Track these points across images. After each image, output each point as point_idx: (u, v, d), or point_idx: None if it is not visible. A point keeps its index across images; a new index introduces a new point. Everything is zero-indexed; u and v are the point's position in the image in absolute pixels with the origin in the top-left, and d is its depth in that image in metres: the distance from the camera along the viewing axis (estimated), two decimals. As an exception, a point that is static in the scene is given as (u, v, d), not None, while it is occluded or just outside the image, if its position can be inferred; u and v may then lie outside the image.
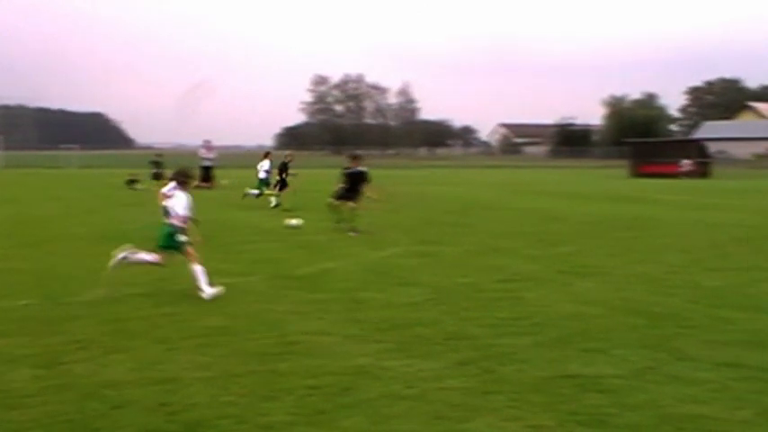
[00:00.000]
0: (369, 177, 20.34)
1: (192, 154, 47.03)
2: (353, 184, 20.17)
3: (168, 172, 43.64)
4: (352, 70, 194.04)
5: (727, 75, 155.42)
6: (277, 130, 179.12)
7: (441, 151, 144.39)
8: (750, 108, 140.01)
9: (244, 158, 66.68)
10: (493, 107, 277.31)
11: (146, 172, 44.82)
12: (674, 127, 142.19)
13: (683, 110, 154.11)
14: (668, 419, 6.33)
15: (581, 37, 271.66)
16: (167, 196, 12.10)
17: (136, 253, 11.54)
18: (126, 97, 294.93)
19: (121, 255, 11.47)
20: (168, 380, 7.31)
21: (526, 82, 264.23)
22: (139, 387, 7.09)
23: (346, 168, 20.57)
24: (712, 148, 75.18)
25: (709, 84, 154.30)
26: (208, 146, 41.14)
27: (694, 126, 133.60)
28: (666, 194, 37.72)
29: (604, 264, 14.76)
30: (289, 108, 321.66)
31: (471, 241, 18.13)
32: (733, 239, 18.88)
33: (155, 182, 42.09)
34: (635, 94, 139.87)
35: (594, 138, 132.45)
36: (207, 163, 39.97)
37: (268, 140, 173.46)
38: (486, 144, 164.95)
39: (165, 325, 9.56)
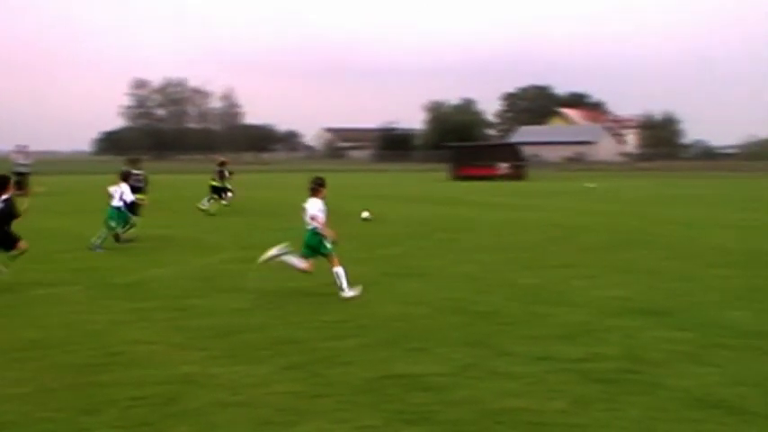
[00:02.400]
0: (147, 181, 20.05)
1: (3, 159, 44.61)
2: (139, 190, 19.64)
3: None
4: (175, 74, 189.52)
5: (538, 82, 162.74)
6: (94, 134, 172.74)
7: (266, 156, 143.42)
8: (559, 114, 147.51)
9: (62, 164, 63.77)
10: (317, 111, 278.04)
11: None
12: (491, 131, 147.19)
13: (499, 115, 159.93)
14: (488, 414, 6.58)
15: (403, 41, 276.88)
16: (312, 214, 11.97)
17: (289, 254, 11.82)
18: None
19: (276, 251, 11.80)
20: (-21, 398, 6.91)
21: (349, 86, 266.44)
22: (-53, 407, 6.67)
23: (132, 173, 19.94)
24: (526, 151, 78.44)
25: (523, 90, 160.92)
26: (22, 150, 39.02)
27: (510, 130, 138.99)
28: (485, 196, 39.08)
29: (428, 264, 15.15)
30: (106, 112, 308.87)
31: (297, 245, 18.12)
32: (547, 239, 19.83)
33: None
34: (454, 99, 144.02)
35: (416, 141, 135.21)
36: (21, 169, 37.77)
37: (84, 145, 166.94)
38: (310, 148, 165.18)
39: (-26, 340, 9.03)
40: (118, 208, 17.70)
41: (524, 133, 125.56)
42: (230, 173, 28.13)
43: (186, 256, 16.29)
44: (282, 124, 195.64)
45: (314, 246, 11.88)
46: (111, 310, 10.80)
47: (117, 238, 17.76)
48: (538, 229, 22.37)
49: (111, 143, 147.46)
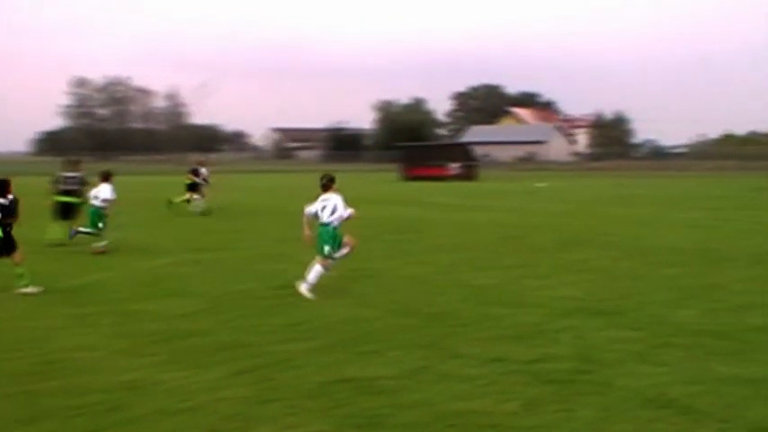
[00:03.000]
0: (88, 182, 19.23)
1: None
2: (73, 193, 18.92)
3: None
4: (120, 73, 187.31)
5: (489, 81, 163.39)
6: (30, 134, 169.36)
7: (213, 156, 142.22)
8: (510, 113, 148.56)
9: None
10: (265, 111, 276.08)
11: None
12: (441, 131, 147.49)
13: (450, 114, 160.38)
14: (440, 417, 6.49)
15: (350, 40, 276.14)
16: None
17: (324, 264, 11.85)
18: None
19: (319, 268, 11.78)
20: None
21: (297, 85, 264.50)
22: None
23: (65, 176, 19.14)
24: (478, 151, 78.84)
25: (474, 89, 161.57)
26: None
27: (460, 130, 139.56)
28: (436, 197, 39.14)
29: (379, 266, 15.05)
30: (43, 111, 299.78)
31: (246, 247, 17.96)
32: (499, 239, 19.86)
33: None
34: (404, 98, 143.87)
35: (366, 141, 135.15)
36: None
37: (21, 146, 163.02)
38: (258, 148, 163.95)
39: None
40: (99, 208, 17.48)
41: (475, 133, 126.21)
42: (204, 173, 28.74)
43: (132, 259, 15.98)
44: (229, 124, 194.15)
45: (325, 240, 11.85)
46: (52, 315, 10.51)
47: (74, 235, 17.51)
48: (489, 229, 22.41)
49: (50, 143, 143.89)
